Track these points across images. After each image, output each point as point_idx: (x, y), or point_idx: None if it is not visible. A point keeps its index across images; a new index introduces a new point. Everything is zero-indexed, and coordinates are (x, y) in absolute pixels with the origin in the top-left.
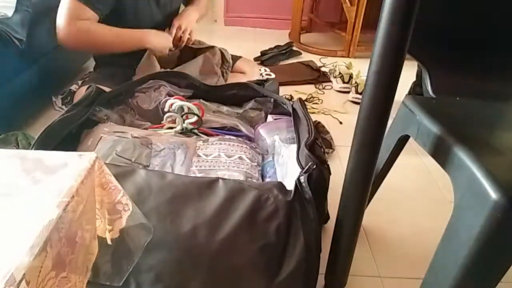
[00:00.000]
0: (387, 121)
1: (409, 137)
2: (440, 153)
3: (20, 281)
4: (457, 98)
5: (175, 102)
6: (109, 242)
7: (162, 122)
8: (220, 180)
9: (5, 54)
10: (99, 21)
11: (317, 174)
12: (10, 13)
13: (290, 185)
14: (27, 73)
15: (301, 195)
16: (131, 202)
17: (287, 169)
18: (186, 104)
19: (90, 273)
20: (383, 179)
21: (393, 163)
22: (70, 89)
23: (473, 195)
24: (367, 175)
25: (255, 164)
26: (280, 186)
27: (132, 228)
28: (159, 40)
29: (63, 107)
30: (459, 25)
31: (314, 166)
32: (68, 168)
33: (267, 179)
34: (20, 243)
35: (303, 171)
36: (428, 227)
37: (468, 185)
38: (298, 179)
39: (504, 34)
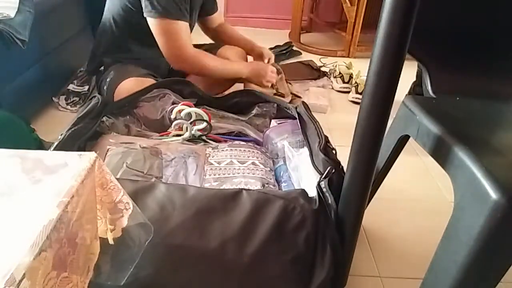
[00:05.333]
0: (387, 121)
1: (409, 137)
2: (440, 153)
3: (20, 281)
4: (457, 98)
5: (184, 109)
6: (110, 241)
7: (169, 129)
8: (244, 192)
9: (7, 55)
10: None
11: (337, 178)
12: (12, 14)
13: (307, 190)
14: (28, 73)
15: (324, 202)
16: (131, 201)
17: (301, 174)
18: (195, 110)
19: (91, 273)
20: (383, 179)
21: (393, 163)
22: (68, 89)
23: (473, 195)
24: (367, 175)
25: (268, 169)
26: (304, 194)
27: (132, 228)
28: (257, 74)
29: (68, 107)
30: (459, 25)
31: (333, 171)
32: (68, 168)
33: (283, 184)
34: (20, 243)
35: (323, 177)
36: (428, 227)
37: (468, 185)
38: (319, 184)
39: (505, 34)
